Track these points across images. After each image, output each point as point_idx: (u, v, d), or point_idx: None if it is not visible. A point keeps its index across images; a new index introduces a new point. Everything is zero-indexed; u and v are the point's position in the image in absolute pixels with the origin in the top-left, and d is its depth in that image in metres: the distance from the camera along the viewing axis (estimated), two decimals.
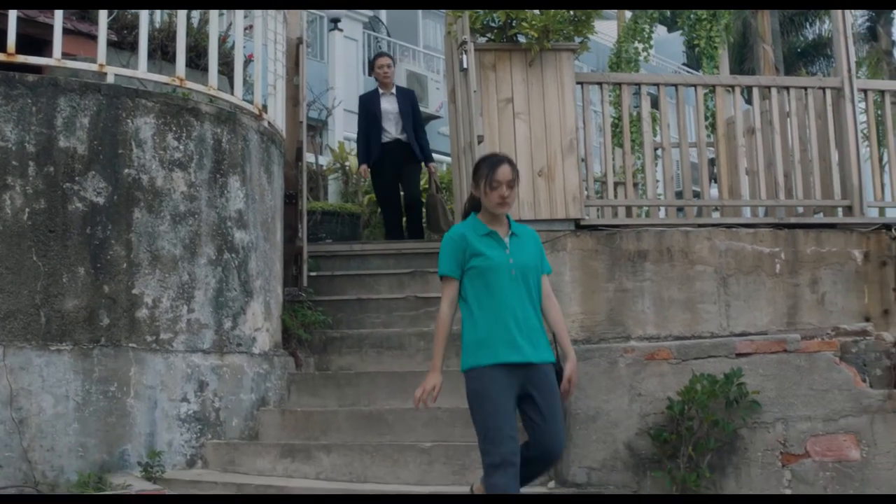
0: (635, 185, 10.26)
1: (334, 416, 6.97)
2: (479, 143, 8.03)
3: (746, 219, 8.83)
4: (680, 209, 10.20)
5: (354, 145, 14.13)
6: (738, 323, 8.09)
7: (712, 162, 10.38)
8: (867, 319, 8.15)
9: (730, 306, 8.11)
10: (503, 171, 5.19)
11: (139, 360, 6.59)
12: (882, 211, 10.25)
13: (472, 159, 7.96)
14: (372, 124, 10.42)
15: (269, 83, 8.17)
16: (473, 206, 5.32)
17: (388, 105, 10.49)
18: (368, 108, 10.52)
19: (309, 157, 12.20)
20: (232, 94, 7.53)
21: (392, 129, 10.45)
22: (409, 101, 10.66)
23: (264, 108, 7.85)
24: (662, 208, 9.42)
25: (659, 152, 10.77)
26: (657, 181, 9.79)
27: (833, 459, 5.94)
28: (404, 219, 10.72)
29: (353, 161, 12.72)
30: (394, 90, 10.62)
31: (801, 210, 9.06)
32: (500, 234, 5.18)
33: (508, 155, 5.52)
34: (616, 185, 10.28)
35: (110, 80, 6.83)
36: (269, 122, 7.78)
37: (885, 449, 5.94)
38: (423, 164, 10.70)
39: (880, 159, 10.76)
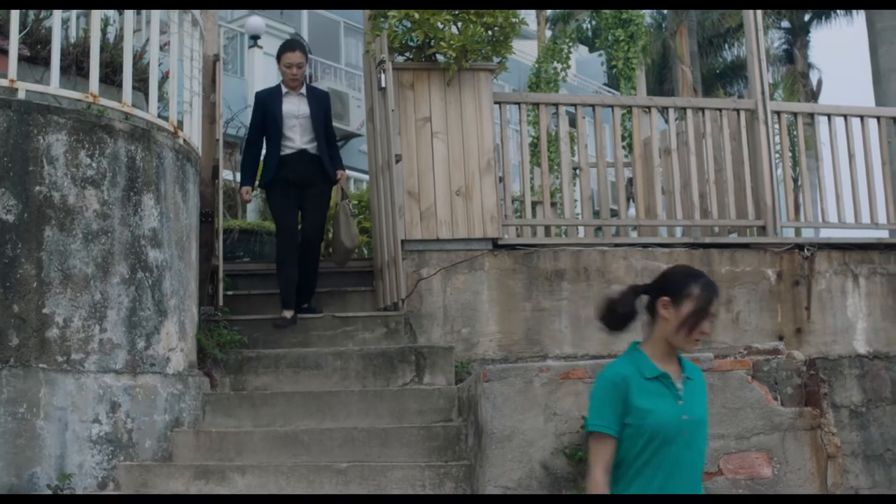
0: (553, 204, 10.33)
1: (249, 437, 6.90)
2: (397, 161, 8.05)
3: (662, 238, 8.92)
4: (598, 229, 10.28)
5: None
6: None
7: (630, 182, 10.48)
8: (780, 338, 8.29)
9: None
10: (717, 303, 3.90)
11: (49, 381, 6.46)
12: (798, 231, 10.43)
13: (391, 178, 7.98)
14: (270, 131, 8.42)
15: (185, 100, 8.09)
16: (625, 318, 4.09)
17: (294, 107, 8.42)
18: (266, 110, 8.45)
19: (227, 175, 12.12)
20: (147, 111, 7.43)
21: (297, 137, 8.37)
22: (321, 104, 8.58)
23: (180, 125, 7.76)
24: (581, 228, 9.50)
25: (577, 172, 10.85)
26: (575, 200, 9.87)
27: (745, 477, 6.01)
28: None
29: None
30: (303, 90, 8.52)
31: (716, 230, 9.19)
32: (673, 378, 3.93)
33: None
34: (534, 204, 10.34)
35: (21, 95, 6.71)
36: (184, 140, 7.70)
37: (797, 466, 6.02)
38: (332, 181, 8.58)
39: (795, 180, 10.94)
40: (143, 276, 6.99)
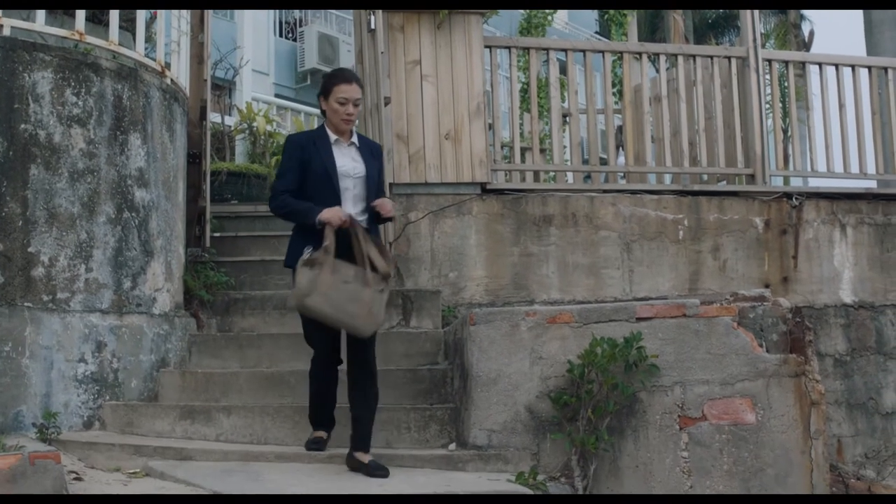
0: (542, 150, 10.29)
1: (235, 378, 6.91)
2: (386, 104, 8.00)
3: (650, 185, 8.91)
4: (586, 176, 10.26)
5: (262, 106, 14.02)
6: (640, 288, 8.18)
7: (620, 129, 10.45)
8: (767, 286, 8.31)
9: (633, 272, 8.20)
10: None
11: (35, 320, 6.45)
12: (786, 180, 10.42)
13: (379, 121, 7.94)
14: (317, 191, 5.83)
15: (173, 40, 8.02)
16: None
17: (348, 162, 5.95)
18: (308, 160, 5.90)
19: (216, 118, 12.05)
20: (134, 50, 7.37)
21: (348, 205, 5.85)
22: (377, 159, 6.17)
23: (167, 65, 7.70)
24: (569, 175, 9.47)
25: (567, 118, 10.80)
26: (564, 147, 9.84)
27: (729, 423, 6.03)
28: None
29: (260, 122, 12.55)
30: (354, 138, 6.05)
31: (705, 178, 9.17)
32: None
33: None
34: (523, 150, 10.31)
35: (7, 32, 6.64)
36: (171, 80, 7.64)
37: (780, 412, 6.04)
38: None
39: (784, 131, 10.91)
40: (129, 216, 6.96)
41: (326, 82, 5.99)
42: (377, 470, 5.66)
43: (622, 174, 9.96)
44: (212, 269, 8.04)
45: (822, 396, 6.13)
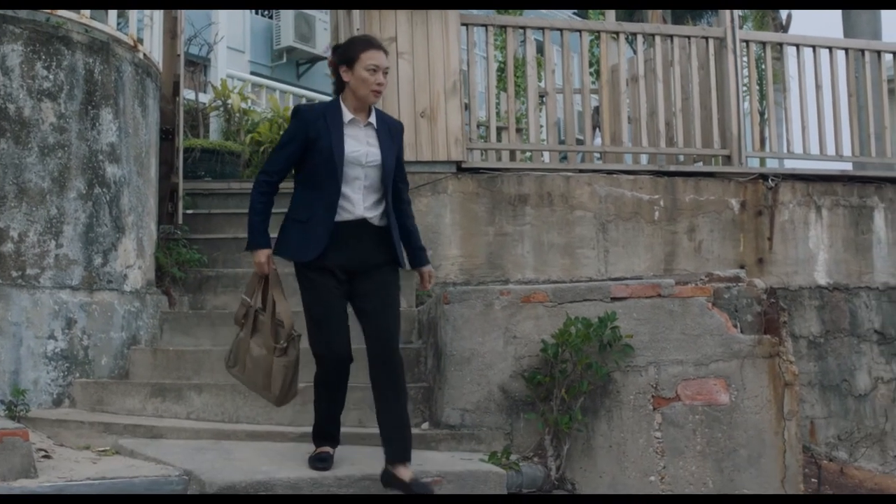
0: (519, 130, 10.25)
1: (207, 356, 6.85)
2: None
3: (626, 165, 8.88)
4: (563, 157, 10.23)
5: (237, 83, 13.92)
6: (616, 268, 8.16)
7: (597, 111, 10.41)
8: (742, 267, 8.31)
9: (608, 252, 8.18)
10: None
11: (4, 296, 6.37)
12: (763, 161, 10.41)
13: None
14: (315, 175, 5.15)
15: (146, 14, 7.93)
16: None
17: (360, 145, 5.16)
18: (314, 139, 5.13)
19: (190, 94, 11.95)
20: (106, 24, 7.27)
21: (357, 196, 5.15)
22: (395, 141, 5.32)
23: (140, 39, 7.61)
24: (546, 154, 9.43)
25: (543, 98, 10.76)
26: (541, 127, 9.80)
27: (703, 403, 6.02)
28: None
29: (235, 99, 12.46)
30: (372, 117, 5.23)
31: (681, 158, 9.15)
32: None
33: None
34: (499, 129, 10.27)
35: None
36: (144, 54, 7.55)
37: (754, 393, 6.03)
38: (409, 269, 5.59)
39: (762, 114, 10.90)
40: (100, 192, 6.89)
41: (349, 49, 5.18)
42: (422, 489, 4.98)
43: (598, 155, 9.94)
44: (184, 246, 7.97)
45: (796, 377, 6.13)
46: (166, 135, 8.32)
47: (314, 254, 5.09)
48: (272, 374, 5.26)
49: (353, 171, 5.12)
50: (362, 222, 5.16)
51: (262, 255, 5.25)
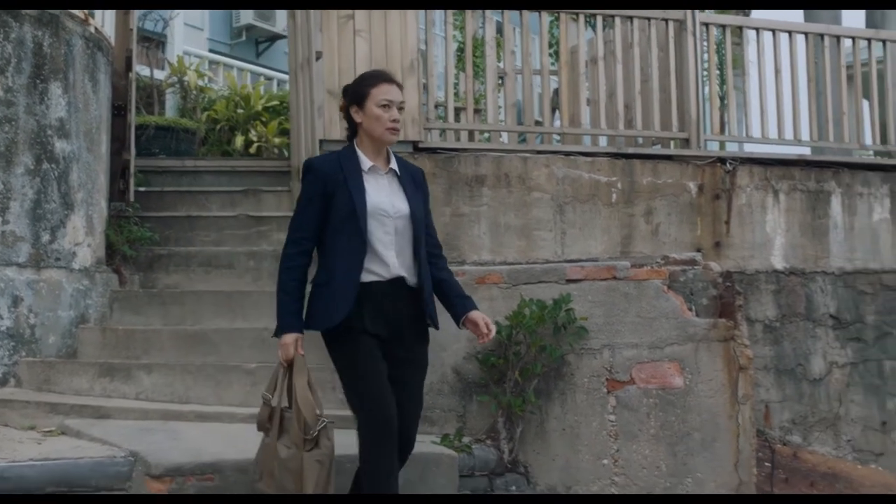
0: (477, 111, 10.16)
1: (157, 335, 6.75)
2: (318, 59, 7.83)
3: (584, 147, 8.82)
4: (522, 139, 10.16)
5: (194, 60, 13.74)
6: (572, 251, 8.11)
7: (556, 92, 10.34)
8: (699, 251, 8.28)
9: (565, 234, 8.12)
10: None
11: None
12: (722, 145, 10.39)
13: (310, 76, 7.77)
14: (342, 234, 4.52)
15: None
16: None
17: (384, 196, 4.60)
18: (331, 193, 4.54)
19: (145, 71, 11.78)
20: None
21: (390, 253, 4.56)
22: (420, 189, 4.80)
23: (91, 13, 7.46)
24: (504, 135, 9.35)
25: (502, 79, 10.68)
26: (499, 107, 9.72)
27: (657, 386, 6.00)
28: None
29: (191, 76, 12.30)
30: (393, 162, 4.72)
31: (640, 141, 9.10)
32: None
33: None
34: (458, 110, 10.17)
35: None
36: (95, 28, 7.40)
37: (708, 377, 6.02)
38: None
39: (721, 98, 10.87)
40: (48, 168, 6.76)
41: (358, 86, 4.65)
42: None
43: (558, 137, 9.87)
44: (136, 224, 7.85)
45: (750, 361, 6.12)
46: (118, 111, 8.18)
47: (341, 315, 4.41)
48: (303, 473, 4.41)
49: (381, 225, 4.53)
50: (398, 282, 4.58)
51: (289, 338, 4.48)
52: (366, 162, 4.57)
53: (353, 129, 4.67)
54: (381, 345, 4.52)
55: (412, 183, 4.71)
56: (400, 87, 4.67)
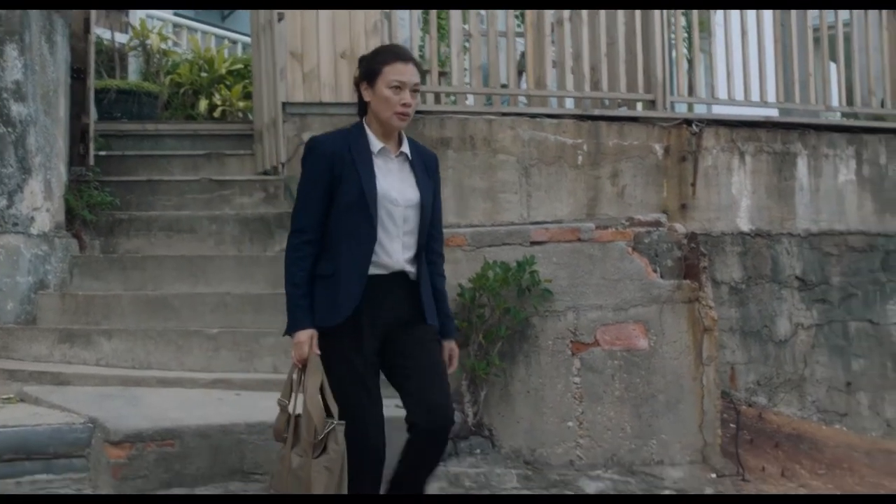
0: (443, 73, 10.07)
1: (118, 301, 6.68)
2: (280, 20, 7.75)
3: (550, 109, 8.76)
4: (488, 101, 10.08)
5: (157, 23, 13.57)
6: (538, 213, 8.07)
7: (522, 56, 10.27)
8: (665, 213, 8.23)
9: (531, 196, 8.08)
10: None
11: None
12: (690, 107, 10.36)
13: (272, 38, 7.68)
14: (348, 222, 4.14)
15: None
16: None
17: (394, 181, 4.22)
18: (338, 176, 4.15)
19: (106, 34, 11.61)
20: None
21: (394, 245, 4.20)
22: (432, 177, 4.40)
23: None
24: (469, 98, 9.27)
25: (468, 41, 10.59)
26: (465, 70, 9.64)
27: (622, 348, 5.97)
28: None
29: (154, 40, 12.13)
30: (404, 145, 4.30)
31: (607, 103, 9.04)
32: None
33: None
34: (423, 72, 10.08)
35: None
36: None
37: (672, 339, 5.99)
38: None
39: (689, 60, 10.81)
40: (5, 132, 6.66)
41: (371, 62, 4.25)
42: None
43: (525, 100, 9.80)
44: (96, 188, 7.74)
45: (715, 323, 6.10)
46: (78, 74, 8.06)
47: (345, 314, 4.07)
48: (311, 481, 4.02)
49: (390, 214, 4.16)
50: (399, 276, 4.23)
51: (303, 335, 4.10)
52: (375, 143, 4.19)
53: (363, 106, 4.27)
54: (379, 341, 4.21)
55: (423, 169, 4.31)
56: (417, 65, 4.24)
